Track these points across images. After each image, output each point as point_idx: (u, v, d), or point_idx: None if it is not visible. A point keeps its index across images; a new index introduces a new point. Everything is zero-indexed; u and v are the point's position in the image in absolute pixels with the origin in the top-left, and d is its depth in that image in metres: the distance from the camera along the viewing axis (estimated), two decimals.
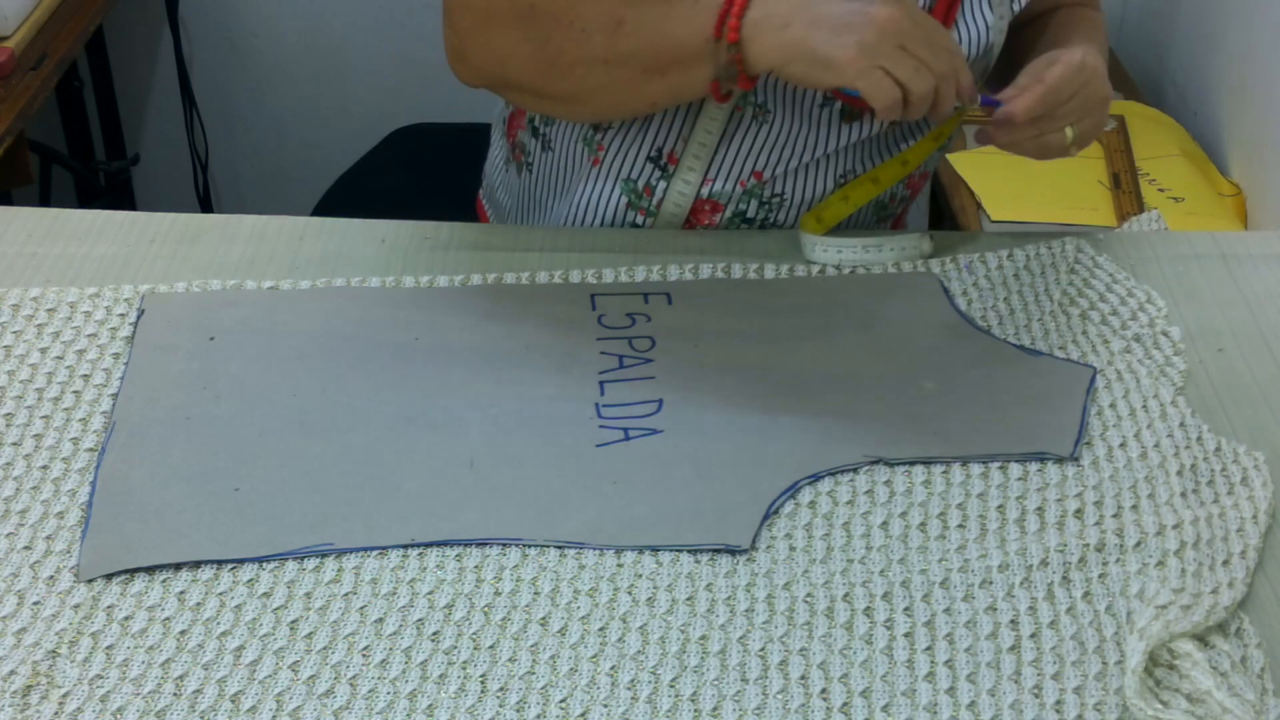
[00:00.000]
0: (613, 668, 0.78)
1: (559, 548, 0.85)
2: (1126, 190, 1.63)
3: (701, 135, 1.10)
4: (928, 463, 0.92)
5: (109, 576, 0.82)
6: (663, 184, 1.12)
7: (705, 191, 1.12)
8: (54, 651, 0.77)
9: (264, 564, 0.83)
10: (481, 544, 0.85)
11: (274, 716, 0.75)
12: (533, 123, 1.17)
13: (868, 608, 0.82)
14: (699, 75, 1.00)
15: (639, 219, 1.14)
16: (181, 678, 0.76)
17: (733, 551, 0.85)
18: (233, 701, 0.75)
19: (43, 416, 0.93)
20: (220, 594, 0.81)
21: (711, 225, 1.14)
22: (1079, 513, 0.88)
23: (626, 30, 0.99)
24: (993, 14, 1.09)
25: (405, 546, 0.84)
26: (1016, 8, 1.11)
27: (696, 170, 1.11)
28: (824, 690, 0.77)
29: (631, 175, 1.13)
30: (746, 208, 1.13)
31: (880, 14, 0.94)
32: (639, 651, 0.79)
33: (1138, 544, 0.85)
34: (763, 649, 0.79)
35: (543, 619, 0.80)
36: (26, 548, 0.84)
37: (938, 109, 0.97)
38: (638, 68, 1.00)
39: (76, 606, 0.80)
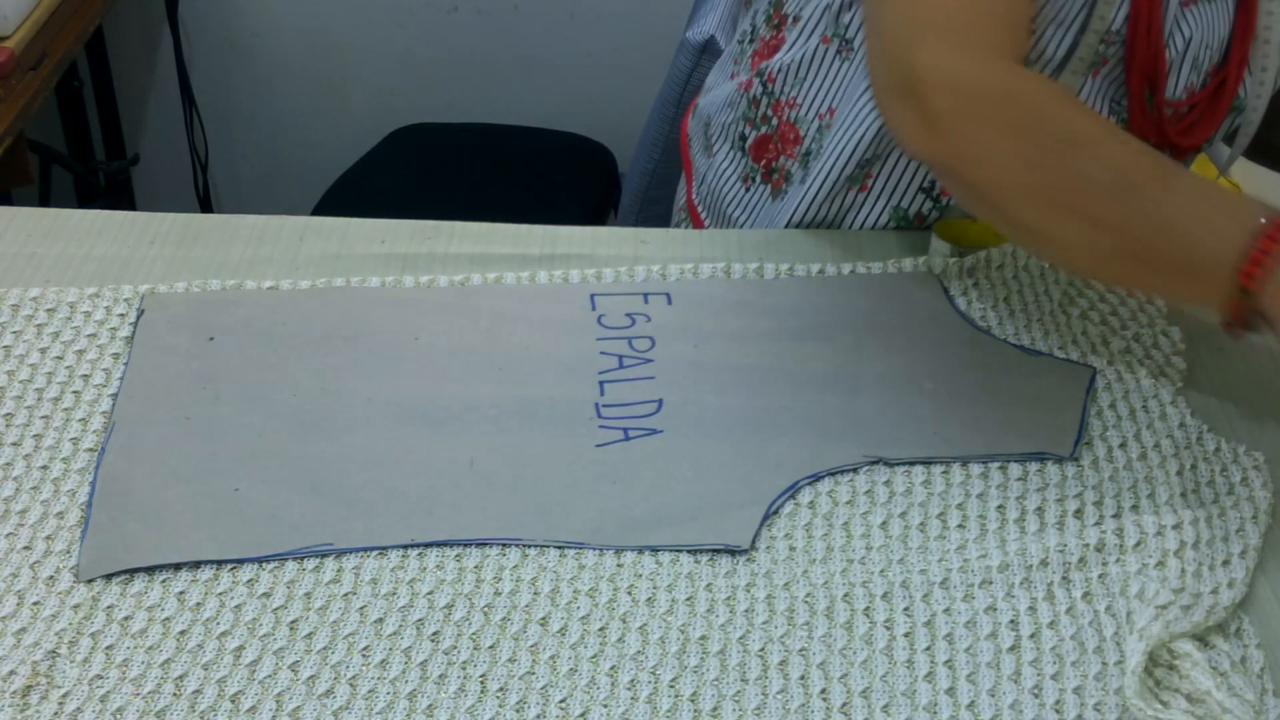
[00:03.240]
0: (613, 668, 0.78)
1: (559, 548, 0.85)
2: None
3: None
4: (928, 463, 0.92)
5: (109, 576, 0.82)
6: (935, 212, 1.13)
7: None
8: (54, 651, 0.77)
9: (264, 564, 0.83)
10: (481, 544, 0.85)
11: (274, 716, 0.75)
12: (796, 160, 1.17)
13: (867, 608, 0.82)
14: (1193, 290, 0.84)
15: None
16: (181, 678, 0.76)
17: (733, 551, 0.85)
18: (233, 701, 0.75)
19: (43, 416, 0.93)
20: (220, 594, 0.81)
21: None
22: (1079, 513, 0.88)
23: (1133, 200, 0.82)
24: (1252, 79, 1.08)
25: (405, 546, 0.84)
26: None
27: None
28: (824, 690, 0.77)
29: (902, 204, 1.13)
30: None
31: None
32: (639, 651, 0.79)
33: (1138, 544, 0.85)
34: (762, 649, 0.79)
35: (543, 619, 0.80)
36: (26, 548, 0.84)
37: None
38: (1124, 249, 0.83)
39: (76, 606, 0.80)
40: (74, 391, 0.95)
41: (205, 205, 2.44)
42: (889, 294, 1.07)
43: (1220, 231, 0.81)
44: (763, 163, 1.20)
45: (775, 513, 0.88)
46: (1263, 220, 0.80)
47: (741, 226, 1.22)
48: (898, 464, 0.91)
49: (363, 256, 1.09)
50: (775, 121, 1.17)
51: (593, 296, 1.05)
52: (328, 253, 1.09)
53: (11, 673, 0.76)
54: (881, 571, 0.84)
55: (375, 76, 2.36)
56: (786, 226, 1.17)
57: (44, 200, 2.08)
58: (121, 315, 1.01)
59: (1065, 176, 0.84)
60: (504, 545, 0.85)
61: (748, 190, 1.21)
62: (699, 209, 1.27)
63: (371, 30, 2.32)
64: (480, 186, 1.99)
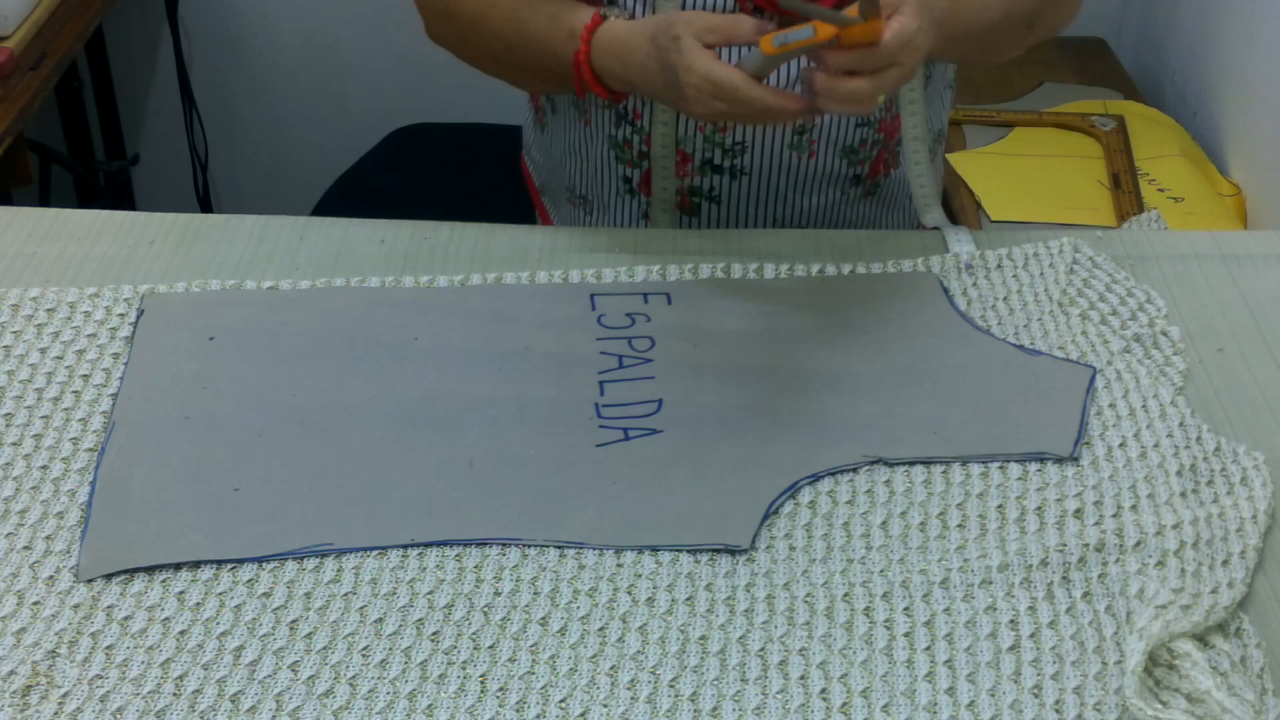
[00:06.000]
0: (613, 668, 0.78)
1: (559, 548, 0.85)
2: (1126, 190, 1.63)
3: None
4: (928, 463, 0.92)
5: (109, 576, 0.82)
6: (636, 138, 1.16)
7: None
8: (54, 651, 0.77)
9: (264, 564, 0.83)
10: (481, 544, 0.85)
11: (274, 716, 0.75)
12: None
13: (867, 608, 0.82)
14: (569, 86, 1.13)
15: (629, 171, 1.18)
16: (181, 678, 0.76)
17: (732, 551, 0.85)
18: (233, 701, 0.75)
19: (43, 416, 0.93)
20: (220, 594, 0.81)
21: (687, 177, 1.16)
22: (1079, 513, 0.88)
23: (514, 53, 1.14)
24: None
25: (405, 546, 0.84)
26: None
27: (659, 121, 1.14)
28: (824, 690, 0.77)
29: (613, 132, 1.17)
30: (712, 155, 1.15)
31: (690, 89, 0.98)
32: (639, 651, 0.79)
33: (1138, 544, 0.85)
34: (762, 649, 0.79)
35: (543, 619, 0.80)
36: (26, 548, 0.84)
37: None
38: (529, 73, 1.17)
39: (76, 606, 0.80)
40: (74, 391, 0.95)
41: (205, 205, 2.44)
42: (889, 294, 1.07)
43: (560, 53, 1.10)
44: (535, 101, 1.29)
45: (775, 513, 0.88)
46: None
47: (535, 160, 1.33)
48: (898, 464, 0.91)
49: (363, 256, 1.09)
50: None
51: (593, 296, 1.05)
52: (328, 253, 1.09)
53: (11, 673, 0.76)
54: (881, 571, 0.84)
55: (375, 76, 2.36)
56: (544, 159, 1.28)
57: (44, 200, 2.08)
58: (121, 315, 1.01)
59: (477, 50, 1.19)
60: (504, 545, 0.85)
61: (536, 133, 1.31)
62: (525, 158, 1.37)
63: (371, 30, 2.32)
64: (480, 186, 1.99)
